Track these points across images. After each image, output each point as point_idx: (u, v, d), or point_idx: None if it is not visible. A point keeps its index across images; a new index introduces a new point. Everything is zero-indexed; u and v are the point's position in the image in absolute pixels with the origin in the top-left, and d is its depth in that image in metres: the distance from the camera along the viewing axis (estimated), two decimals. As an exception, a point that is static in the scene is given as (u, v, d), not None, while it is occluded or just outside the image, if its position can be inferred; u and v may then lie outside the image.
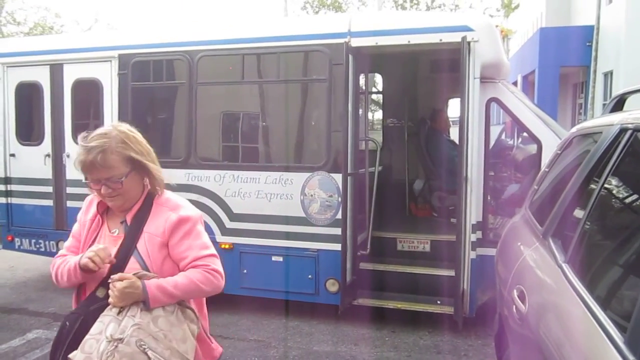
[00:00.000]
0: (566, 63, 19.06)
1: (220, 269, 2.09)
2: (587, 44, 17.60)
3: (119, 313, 1.93)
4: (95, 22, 23.56)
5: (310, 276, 5.05)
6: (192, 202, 5.19)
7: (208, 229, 5.24)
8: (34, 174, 6.03)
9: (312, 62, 5.18)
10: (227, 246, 5.27)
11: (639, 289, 1.58)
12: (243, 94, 5.54)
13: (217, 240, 5.29)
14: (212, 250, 2.13)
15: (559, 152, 3.11)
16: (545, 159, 4.34)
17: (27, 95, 6.09)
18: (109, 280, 1.96)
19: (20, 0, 29.32)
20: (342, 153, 4.82)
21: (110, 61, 5.62)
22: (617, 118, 2.21)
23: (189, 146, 5.38)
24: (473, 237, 4.58)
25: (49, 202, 5.97)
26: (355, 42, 4.82)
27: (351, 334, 4.93)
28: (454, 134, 6.43)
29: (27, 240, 6.14)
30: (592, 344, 1.60)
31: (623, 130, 2.05)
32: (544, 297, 2.20)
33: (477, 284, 4.68)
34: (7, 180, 6.15)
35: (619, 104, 2.72)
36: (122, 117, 5.57)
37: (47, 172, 5.96)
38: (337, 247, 4.85)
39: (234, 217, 5.25)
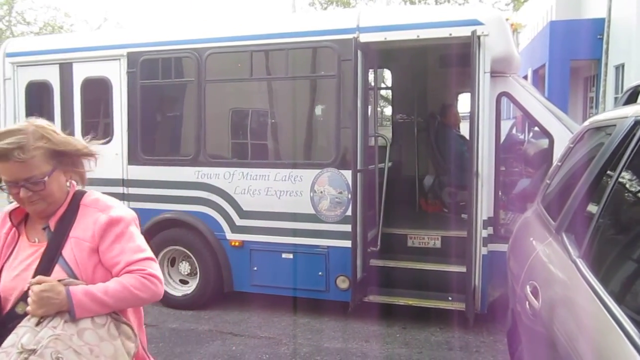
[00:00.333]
0: (577, 56, 18.89)
1: (159, 273, 1.87)
2: (598, 36, 17.43)
3: (37, 324, 1.69)
4: (105, 21, 23.67)
5: (320, 273, 5.04)
6: (202, 199, 5.32)
7: (218, 226, 5.28)
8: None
9: (320, 58, 5.16)
10: (237, 244, 5.27)
11: (655, 284, 1.55)
12: (252, 91, 5.53)
13: (227, 237, 5.30)
14: (149, 253, 1.91)
15: (572, 145, 3.07)
16: (557, 153, 4.30)
17: (37, 95, 6.11)
18: (27, 284, 1.74)
19: (30, 0, 29.55)
20: (351, 149, 4.79)
21: (119, 59, 5.63)
22: (632, 110, 2.17)
23: (198, 144, 5.38)
24: (484, 233, 4.55)
25: (60, 201, 5.99)
26: (364, 38, 4.79)
27: (362, 331, 4.92)
28: (464, 129, 6.40)
29: (39, 238, 6.16)
30: (608, 340, 1.58)
31: (638, 123, 2.02)
32: (558, 292, 2.17)
33: (489, 280, 4.65)
34: (18, 180, 6.17)
35: (632, 96, 2.68)
36: (131, 115, 5.59)
37: (57, 171, 5.97)
38: (347, 244, 4.84)
39: (243, 214, 5.24)
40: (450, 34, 4.59)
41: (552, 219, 2.67)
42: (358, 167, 4.79)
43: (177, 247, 5.55)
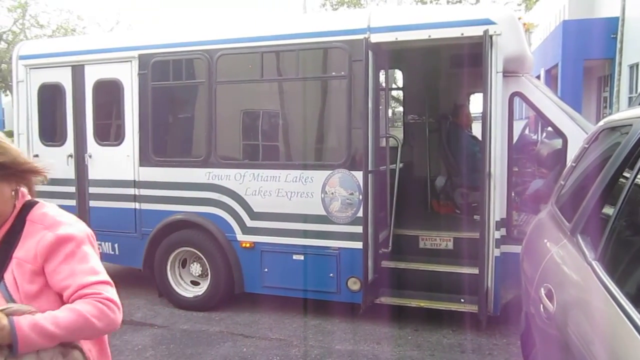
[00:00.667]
0: (590, 56, 18.69)
1: (117, 298, 1.63)
2: (612, 36, 17.24)
3: None
4: (117, 23, 23.79)
5: (331, 275, 5.01)
6: (213, 200, 5.33)
7: (229, 228, 5.27)
8: (57, 175, 6.08)
9: (331, 59, 5.14)
10: (248, 245, 5.27)
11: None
12: (262, 92, 5.53)
13: (238, 239, 5.29)
14: (105, 276, 1.66)
15: (586, 146, 3.03)
16: (571, 154, 4.24)
17: (50, 97, 6.15)
18: None
19: (44, 3, 29.80)
20: (362, 150, 4.77)
21: (131, 61, 5.65)
22: (648, 110, 2.13)
23: (209, 145, 5.38)
24: (497, 235, 4.50)
25: (72, 202, 6.02)
26: (375, 38, 4.77)
27: (373, 333, 4.89)
28: (476, 129, 6.35)
29: (51, 240, 6.20)
30: (625, 345, 1.54)
31: (655, 123, 1.98)
32: (573, 295, 2.13)
33: (501, 282, 4.60)
34: (31, 181, 6.21)
35: (648, 96, 2.63)
36: (142, 117, 5.61)
37: (69, 173, 6.01)
38: (359, 245, 4.81)
39: (254, 215, 5.24)
40: (462, 34, 4.55)
41: (567, 220, 2.63)
42: (369, 168, 4.76)
43: (188, 249, 5.56)
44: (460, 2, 26.29)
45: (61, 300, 1.63)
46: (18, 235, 1.68)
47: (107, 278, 1.66)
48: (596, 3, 23.12)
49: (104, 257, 5.99)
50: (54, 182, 6.22)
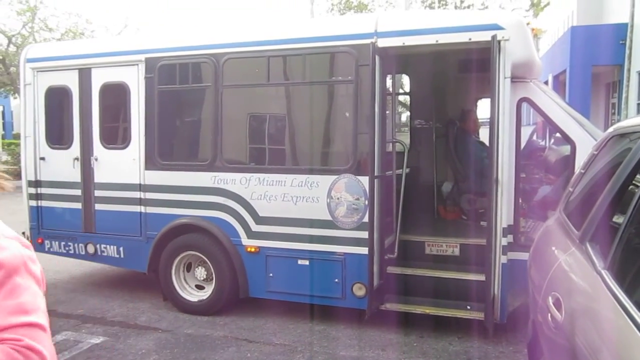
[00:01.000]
0: (598, 62, 18.61)
1: (42, 347, 1.27)
2: (621, 42, 17.15)
3: None
4: (125, 27, 23.84)
5: (336, 280, 4.98)
6: (219, 204, 5.32)
7: (234, 232, 5.25)
8: (63, 177, 6.10)
9: (338, 64, 5.13)
10: (253, 249, 5.25)
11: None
12: (269, 96, 5.52)
13: (243, 243, 5.28)
14: (35, 317, 1.31)
15: (595, 152, 2.99)
16: (580, 160, 4.21)
17: (57, 100, 6.17)
18: None
19: (53, 6, 29.94)
20: (368, 155, 4.74)
21: (137, 65, 5.65)
22: (660, 116, 2.09)
23: (215, 149, 5.37)
24: (504, 241, 4.46)
25: (77, 205, 6.03)
26: (382, 43, 4.75)
27: (378, 339, 4.85)
28: (483, 135, 6.31)
29: (57, 242, 6.22)
30: (635, 356, 1.51)
31: (666, 129, 1.94)
32: (582, 305, 2.09)
33: (508, 289, 4.56)
34: (37, 184, 6.23)
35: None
36: (148, 121, 5.61)
37: (75, 176, 6.02)
38: (364, 250, 4.78)
39: (260, 220, 5.22)
40: (470, 39, 4.53)
41: (575, 228, 2.59)
42: (375, 173, 4.73)
43: (193, 253, 5.54)
44: (468, 7, 26.23)
45: None
46: None
47: (37, 319, 1.31)
48: (605, 9, 23.02)
49: (109, 260, 6.00)
50: (60, 185, 6.29)
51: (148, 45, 5.72)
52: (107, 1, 45.75)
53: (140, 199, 5.66)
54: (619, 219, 2.10)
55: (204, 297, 5.51)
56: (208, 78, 5.44)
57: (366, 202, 4.80)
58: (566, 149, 4.79)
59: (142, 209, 5.67)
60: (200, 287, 5.66)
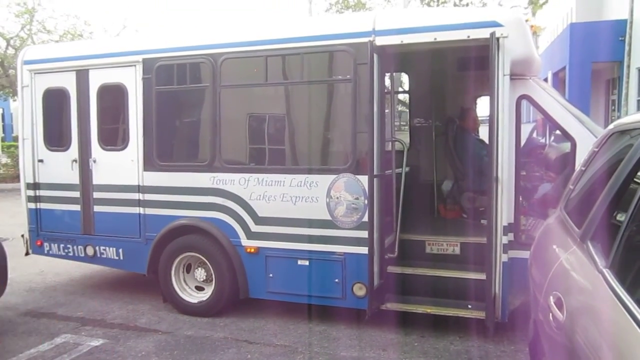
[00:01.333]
0: (598, 59, 18.56)
1: None
2: (620, 38, 17.12)
3: None
4: (124, 28, 23.82)
5: (336, 280, 4.96)
6: (218, 205, 5.30)
7: (233, 233, 5.23)
8: (62, 179, 6.08)
9: (336, 62, 5.10)
10: (252, 250, 5.22)
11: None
12: (267, 95, 5.49)
13: (243, 244, 5.25)
14: None
15: (596, 149, 2.96)
16: (580, 158, 4.18)
17: (54, 101, 6.15)
18: None
19: (51, 8, 29.93)
20: (368, 154, 4.72)
21: (135, 66, 5.63)
22: (661, 113, 2.07)
23: (214, 150, 5.35)
24: (504, 240, 4.43)
25: (76, 207, 6.01)
26: (380, 41, 4.72)
27: (379, 339, 4.82)
28: (483, 133, 6.28)
29: (56, 245, 6.20)
30: (637, 355, 1.48)
31: (668, 126, 1.92)
32: (584, 305, 2.07)
33: (509, 288, 4.53)
34: (35, 186, 6.21)
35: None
36: (146, 122, 5.59)
37: (74, 178, 6.00)
38: (364, 250, 4.76)
39: (259, 220, 5.19)
40: (469, 36, 4.50)
41: (576, 226, 2.56)
42: (375, 172, 4.71)
43: (192, 254, 5.52)
44: (467, 5, 26.18)
45: None
46: None
47: None
48: (604, 6, 22.98)
49: (108, 262, 5.98)
50: (59, 187, 6.27)
51: (145, 46, 5.69)
52: (105, 2, 45.74)
53: (139, 200, 5.64)
54: (620, 217, 2.08)
55: (204, 299, 5.49)
56: (206, 78, 5.42)
57: (366, 202, 4.78)
58: (566, 146, 4.76)
59: (141, 210, 5.65)
60: (200, 289, 5.64)
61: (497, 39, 4.33)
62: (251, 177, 5.20)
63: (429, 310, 4.78)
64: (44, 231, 6.24)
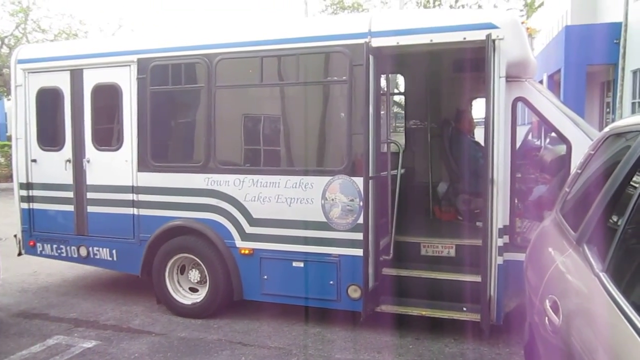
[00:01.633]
0: (593, 61, 18.65)
1: None
2: (615, 41, 17.21)
3: None
4: (119, 28, 23.79)
5: (331, 282, 4.94)
6: (212, 206, 5.27)
7: (228, 234, 5.21)
8: (55, 180, 6.04)
9: (332, 64, 5.09)
10: (247, 252, 5.20)
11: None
12: (262, 96, 5.47)
13: (237, 245, 5.23)
14: None
15: (592, 152, 2.95)
16: (575, 160, 4.18)
17: (48, 101, 6.11)
18: None
19: (46, 7, 29.84)
20: (363, 156, 4.70)
21: (129, 66, 5.60)
22: (657, 115, 2.06)
23: (208, 150, 5.32)
24: (500, 242, 4.43)
25: (69, 208, 5.97)
26: (376, 42, 4.71)
27: (374, 342, 4.81)
28: (479, 135, 6.28)
29: (49, 245, 6.15)
30: (635, 361, 1.47)
31: (665, 129, 1.91)
32: (580, 309, 2.05)
33: (504, 291, 4.52)
34: (28, 186, 6.17)
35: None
36: (141, 122, 5.55)
37: (67, 178, 5.96)
38: (359, 252, 4.73)
39: (253, 222, 5.17)
40: (465, 38, 4.49)
41: (572, 229, 2.55)
42: (370, 174, 4.69)
43: (186, 255, 5.49)
44: (463, 7, 26.24)
45: None
46: None
47: None
48: (599, 8, 23.09)
49: (101, 263, 5.94)
50: (52, 187, 6.23)
51: (140, 46, 5.66)
52: (100, 2, 45.59)
53: (132, 201, 5.61)
54: (616, 220, 2.07)
55: (198, 300, 5.46)
56: (201, 79, 5.40)
57: (361, 203, 4.76)
58: (562, 149, 4.76)
59: (135, 211, 5.62)
60: (194, 290, 5.60)
61: (493, 40, 4.32)
62: (246, 178, 5.17)
63: (424, 313, 4.76)
64: (37, 231, 6.20)
